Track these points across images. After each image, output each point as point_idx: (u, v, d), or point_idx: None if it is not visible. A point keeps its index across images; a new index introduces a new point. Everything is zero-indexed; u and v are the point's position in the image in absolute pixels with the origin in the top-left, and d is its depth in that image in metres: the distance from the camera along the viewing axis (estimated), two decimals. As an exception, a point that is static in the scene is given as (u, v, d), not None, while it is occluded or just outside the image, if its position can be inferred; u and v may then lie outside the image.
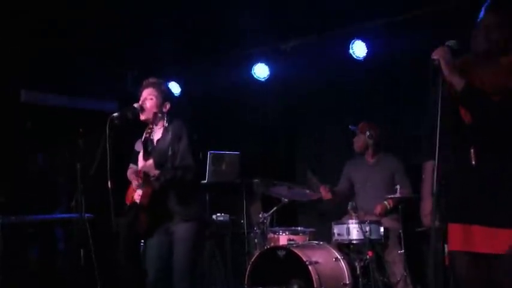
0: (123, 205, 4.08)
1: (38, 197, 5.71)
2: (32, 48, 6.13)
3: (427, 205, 2.79)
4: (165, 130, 4.03)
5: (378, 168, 5.39)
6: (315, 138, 6.62)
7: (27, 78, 6.36)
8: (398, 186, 4.99)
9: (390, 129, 5.74)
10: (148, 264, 4.05)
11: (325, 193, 5.38)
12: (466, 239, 2.48)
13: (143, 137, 3.94)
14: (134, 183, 4.00)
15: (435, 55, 2.59)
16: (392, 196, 5.05)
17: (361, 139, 5.45)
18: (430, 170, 2.79)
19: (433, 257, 2.21)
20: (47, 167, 6.17)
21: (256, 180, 5.79)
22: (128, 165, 4.23)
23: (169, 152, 3.94)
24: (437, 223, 2.28)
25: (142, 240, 4.90)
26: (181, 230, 3.92)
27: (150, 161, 3.88)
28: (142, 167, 3.90)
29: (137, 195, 3.92)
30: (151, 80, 4.11)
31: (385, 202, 5.19)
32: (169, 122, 4.05)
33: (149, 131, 3.97)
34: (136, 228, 4.08)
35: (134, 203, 3.97)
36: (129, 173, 4.20)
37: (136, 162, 4.12)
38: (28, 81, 6.40)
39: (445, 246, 2.30)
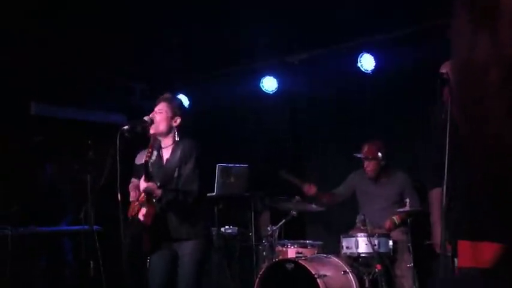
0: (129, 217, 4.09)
1: (47, 209, 5.72)
2: (42, 61, 6.18)
3: (438, 233, 2.77)
4: (176, 148, 3.94)
5: (386, 187, 5.36)
6: (322, 151, 6.62)
7: (37, 91, 6.41)
8: (408, 200, 4.96)
9: (397, 143, 5.73)
10: (152, 281, 4.04)
11: (308, 189, 5.43)
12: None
13: (144, 160, 3.86)
14: (132, 195, 3.99)
15: (444, 68, 2.60)
16: (401, 210, 5.03)
17: (374, 163, 5.32)
18: (436, 197, 2.78)
19: (443, 272, 2.19)
20: (56, 179, 6.19)
21: (264, 192, 5.79)
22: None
23: (176, 174, 3.90)
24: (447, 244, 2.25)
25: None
26: (186, 247, 3.90)
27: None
28: (146, 186, 3.82)
29: (141, 214, 3.90)
30: (165, 95, 4.06)
31: (394, 217, 5.18)
32: (180, 138, 3.96)
33: (149, 154, 3.88)
34: (141, 245, 4.07)
35: (135, 217, 3.96)
36: (130, 187, 4.20)
37: (137, 176, 4.07)
38: (38, 93, 6.46)
39: (455, 260, 2.26)
